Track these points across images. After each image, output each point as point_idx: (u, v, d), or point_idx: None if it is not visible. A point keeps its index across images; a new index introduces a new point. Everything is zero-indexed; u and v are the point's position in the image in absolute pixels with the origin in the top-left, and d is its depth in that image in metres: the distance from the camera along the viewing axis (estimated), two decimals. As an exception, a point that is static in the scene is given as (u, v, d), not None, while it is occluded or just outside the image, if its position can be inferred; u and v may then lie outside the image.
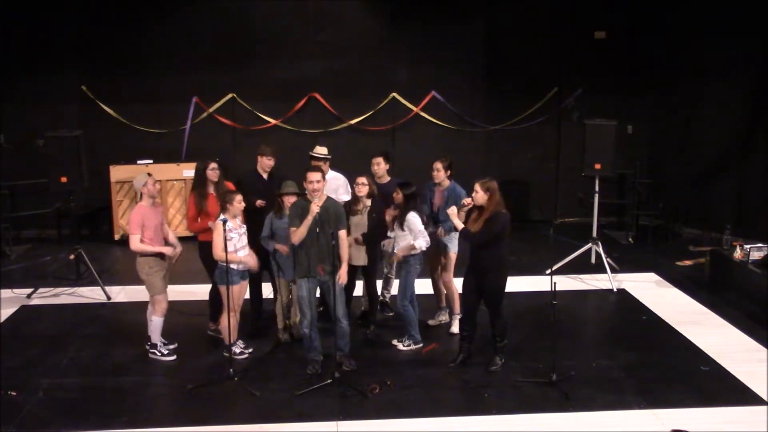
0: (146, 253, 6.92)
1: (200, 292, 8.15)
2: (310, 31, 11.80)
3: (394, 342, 7.40)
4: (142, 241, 6.88)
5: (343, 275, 6.66)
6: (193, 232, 7.51)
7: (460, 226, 6.67)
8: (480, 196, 6.58)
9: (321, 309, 7.48)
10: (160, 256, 6.99)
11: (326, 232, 6.51)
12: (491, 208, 6.55)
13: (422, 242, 7.04)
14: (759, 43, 10.57)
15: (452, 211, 6.74)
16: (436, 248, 7.58)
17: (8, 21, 11.13)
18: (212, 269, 7.28)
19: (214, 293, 7.45)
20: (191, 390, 6.46)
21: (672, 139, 11.88)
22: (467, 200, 6.75)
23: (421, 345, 7.36)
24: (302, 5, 11.79)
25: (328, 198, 6.77)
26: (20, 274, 9.78)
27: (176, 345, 7.30)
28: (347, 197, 7.72)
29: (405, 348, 7.32)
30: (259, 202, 7.52)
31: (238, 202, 6.87)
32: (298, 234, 6.55)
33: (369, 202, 7.31)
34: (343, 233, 6.72)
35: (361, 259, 7.32)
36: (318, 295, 6.91)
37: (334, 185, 7.82)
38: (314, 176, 6.55)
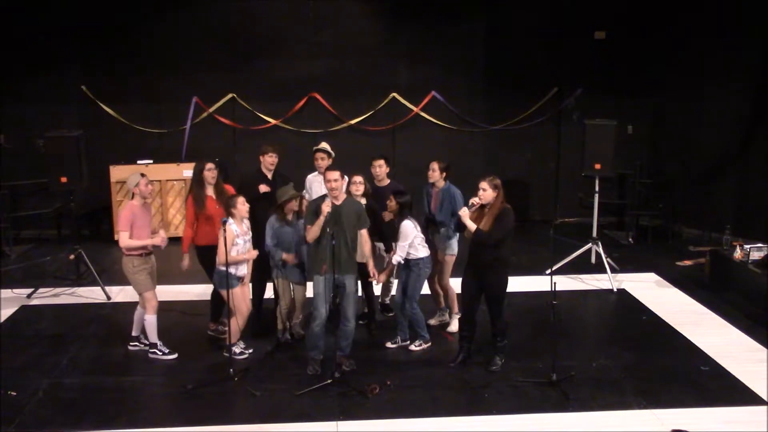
0: (133, 251, 6.91)
1: (199, 292, 8.16)
2: (310, 31, 11.81)
3: (388, 344, 7.40)
4: (130, 238, 6.89)
5: (372, 270, 6.91)
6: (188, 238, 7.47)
7: (473, 227, 6.60)
8: (489, 193, 6.56)
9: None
10: (145, 254, 6.99)
11: (343, 231, 6.52)
12: (498, 204, 6.55)
13: (398, 257, 7.10)
14: (759, 43, 10.57)
15: (464, 212, 6.70)
16: (434, 251, 7.57)
17: (8, 21, 11.14)
18: (212, 272, 7.29)
19: (217, 295, 7.47)
20: (191, 390, 6.45)
21: (672, 139, 11.88)
22: (475, 200, 6.70)
23: (430, 344, 7.36)
24: (302, 5, 11.79)
25: (348, 197, 6.79)
26: (20, 274, 9.78)
27: (157, 342, 7.22)
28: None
29: (417, 348, 7.32)
30: (262, 187, 7.52)
31: (242, 204, 6.87)
32: (312, 233, 6.62)
33: (363, 201, 7.32)
34: (364, 232, 6.77)
35: (360, 256, 7.32)
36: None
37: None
38: (332, 175, 6.58)
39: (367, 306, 7.83)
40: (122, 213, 6.96)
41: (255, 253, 7.00)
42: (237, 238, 6.78)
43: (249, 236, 6.97)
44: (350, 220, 6.62)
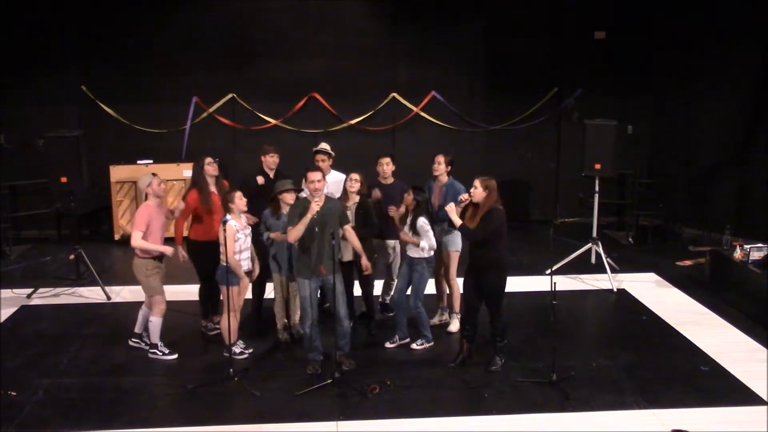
0: (146, 253, 6.91)
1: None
2: (310, 31, 11.82)
3: (387, 344, 7.39)
4: (144, 239, 6.87)
5: (365, 264, 6.94)
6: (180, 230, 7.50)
7: (458, 222, 6.67)
8: (478, 192, 6.58)
9: (326, 306, 7.48)
10: (158, 257, 6.98)
11: (328, 232, 6.51)
12: (488, 204, 6.55)
13: (426, 244, 7.04)
14: (759, 43, 10.57)
15: (450, 207, 6.73)
16: (438, 247, 7.58)
17: (8, 21, 11.14)
18: (201, 267, 7.30)
19: (204, 291, 7.49)
20: (191, 390, 6.46)
21: (672, 139, 11.88)
22: (464, 196, 6.74)
23: (432, 344, 7.36)
24: (302, 5, 11.80)
25: (328, 198, 6.77)
26: (20, 274, 9.79)
27: (158, 342, 7.21)
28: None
29: (420, 347, 7.32)
30: (259, 179, 7.60)
31: (239, 198, 6.86)
32: (295, 232, 6.55)
33: (357, 199, 7.32)
34: (349, 227, 6.81)
35: (348, 254, 7.33)
36: (319, 295, 6.92)
37: (336, 186, 7.81)
38: (315, 176, 6.57)
39: (366, 305, 7.82)
40: (139, 213, 6.92)
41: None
42: (237, 233, 6.78)
43: (249, 230, 6.97)
44: (333, 221, 6.62)
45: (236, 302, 6.88)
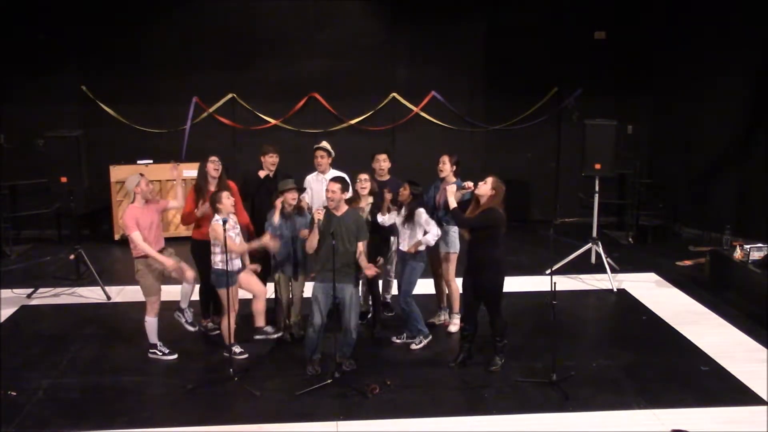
0: (138, 252, 6.85)
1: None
2: (310, 31, 11.81)
3: (394, 339, 7.45)
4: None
5: (366, 269, 6.71)
6: (184, 224, 7.48)
7: (454, 205, 6.66)
8: (486, 188, 6.58)
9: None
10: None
11: (343, 242, 6.50)
12: (489, 204, 6.56)
13: (431, 237, 7.05)
14: (759, 43, 10.57)
15: (451, 189, 6.73)
16: (437, 248, 7.59)
17: (8, 21, 11.14)
18: (201, 267, 7.28)
19: (206, 291, 7.46)
20: (191, 390, 6.46)
21: (672, 139, 11.88)
22: (468, 183, 6.73)
23: (431, 338, 7.37)
24: (302, 5, 11.80)
25: (350, 209, 6.75)
26: (20, 274, 9.78)
27: (157, 342, 7.20)
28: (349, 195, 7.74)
29: (418, 346, 7.32)
30: (261, 172, 7.61)
31: (227, 198, 6.81)
32: (309, 244, 6.68)
33: (371, 200, 7.31)
34: (360, 245, 6.66)
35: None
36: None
37: None
38: (332, 186, 6.59)
39: (373, 306, 7.81)
40: (125, 217, 6.86)
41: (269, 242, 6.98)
42: (227, 232, 6.72)
43: (238, 229, 6.95)
44: (350, 231, 6.59)
45: (255, 287, 6.92)
